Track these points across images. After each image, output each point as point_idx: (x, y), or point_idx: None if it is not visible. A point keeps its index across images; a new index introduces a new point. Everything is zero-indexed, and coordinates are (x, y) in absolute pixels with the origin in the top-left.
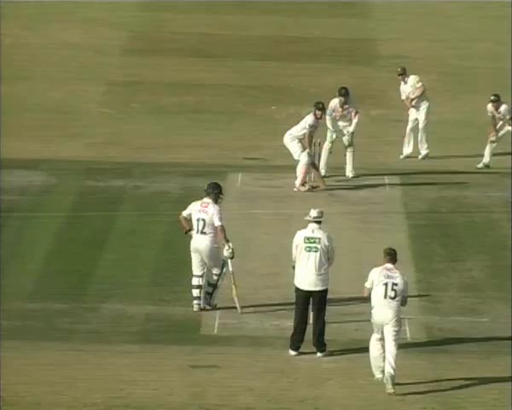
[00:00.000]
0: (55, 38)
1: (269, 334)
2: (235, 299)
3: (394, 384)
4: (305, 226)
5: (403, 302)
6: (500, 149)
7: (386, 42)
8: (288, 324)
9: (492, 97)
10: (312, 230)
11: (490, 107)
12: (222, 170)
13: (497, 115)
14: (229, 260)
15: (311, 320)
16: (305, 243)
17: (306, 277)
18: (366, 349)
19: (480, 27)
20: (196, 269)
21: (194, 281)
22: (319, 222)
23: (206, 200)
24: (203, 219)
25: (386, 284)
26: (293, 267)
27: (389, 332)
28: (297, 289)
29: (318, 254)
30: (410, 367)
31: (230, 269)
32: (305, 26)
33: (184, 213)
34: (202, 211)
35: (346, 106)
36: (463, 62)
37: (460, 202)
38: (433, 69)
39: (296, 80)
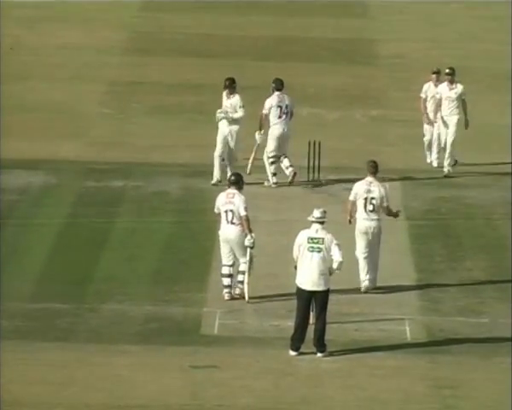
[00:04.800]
0: (55, 37)
1: (269, 334)
2: (246, 287)
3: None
4: (307, 226)
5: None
6: (500, 149)
7: (386, 42)
8: (288, 324)
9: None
10: (316, 230)
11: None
12: (222, 170)
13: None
14: (248, 249)
15: (311, 320)
16: (308, 243)
17: (309, 277)
18: (366, 349)
19: (480, 27)
20: (226, 259)
21: (225, 270)
22: (322, 222)
23: (231, 190)
24: (231, 210)
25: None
26: (295, 267)
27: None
28: (299, 289)
29: (321, 254)
30: (410, 367)
31: (248, 258)
32: (305, 26)
33: (216, 210)
34: (229, 202)
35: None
36: (463, 62)
37: (460, 202)
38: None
39: (296, 80)
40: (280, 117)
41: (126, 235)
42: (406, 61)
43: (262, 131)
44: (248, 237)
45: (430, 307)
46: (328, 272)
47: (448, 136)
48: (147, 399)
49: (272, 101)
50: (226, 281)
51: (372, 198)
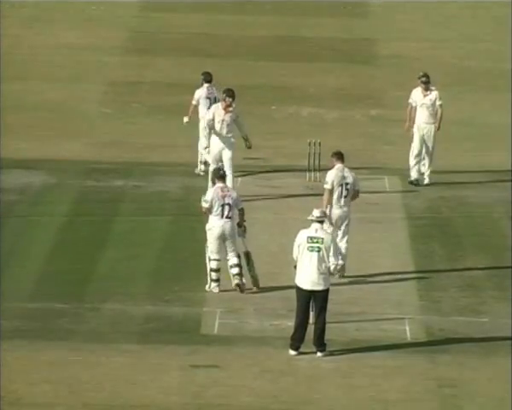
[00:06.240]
0: (55, 37)
1: (269, 334)
2: (256, 276)
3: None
4: (307, 226)
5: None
6: (500, 149)
7: (386, 42)
8: (288, 324)
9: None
10: (315, 229)
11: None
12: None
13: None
14: (243, 240)
15: (311, 320)
16: (307, 242)
17: (309, 276)
18: (366, 349)
19: (480, 27)
20: (216, 254)
21: (214, 264)
22: (322, 222)
23: (222, 184)
24: (228, 204)
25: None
26: (295, 267)
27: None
28: (299, 289)
29: (321, 253)
30: (410, 367)
31: (245, 249)
32: (305, 26)
33: (207, 205)
34: (226, 196)
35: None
36: (463, 62)
37: (460, 202)
38: (433, 69)
39: (296, 80)
40: (209, 109)
41: (126, 234)
42: (406, 61)
43: (188, 118)
44: (242, 227)
45: (430, 307)
46: (327, 271)
47: (427, 145)
48: (147, 399)
49: (201, 92)
50: (216, 275)
51: (347, 184)
